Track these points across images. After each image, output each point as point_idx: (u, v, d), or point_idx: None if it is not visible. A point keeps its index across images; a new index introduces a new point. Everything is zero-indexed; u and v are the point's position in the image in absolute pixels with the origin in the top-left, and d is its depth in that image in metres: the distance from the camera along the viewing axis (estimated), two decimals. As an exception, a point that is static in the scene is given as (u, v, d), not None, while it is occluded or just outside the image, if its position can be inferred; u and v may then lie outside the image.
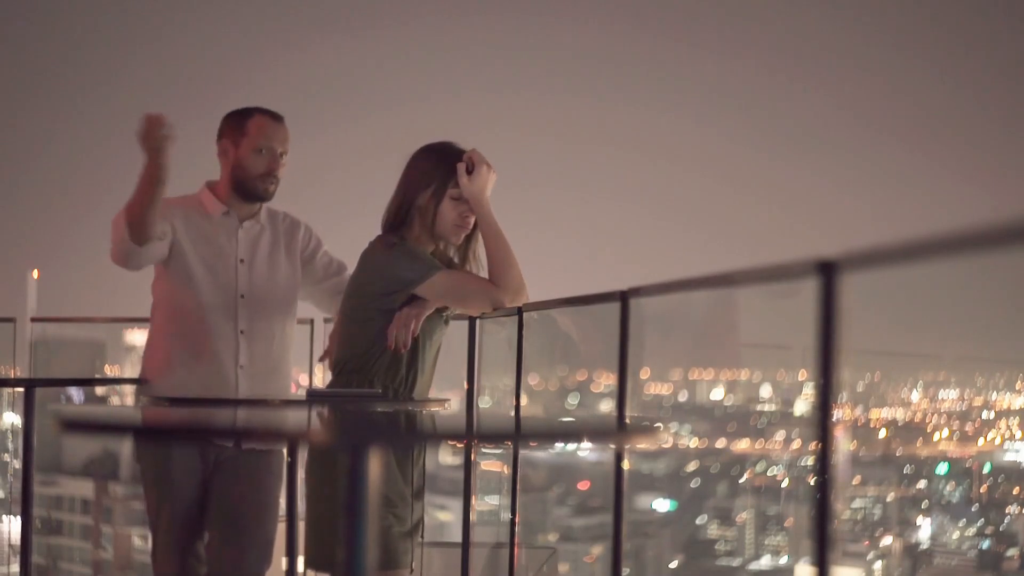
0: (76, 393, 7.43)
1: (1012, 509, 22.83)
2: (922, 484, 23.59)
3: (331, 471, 3.18)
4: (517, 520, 3.89)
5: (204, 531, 3.59)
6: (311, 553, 3.23)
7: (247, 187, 3.63)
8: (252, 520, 3.55)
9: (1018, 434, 24.01)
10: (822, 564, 1.78)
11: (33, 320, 6.12)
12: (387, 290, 3.27)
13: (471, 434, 1.68)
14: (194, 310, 3.60)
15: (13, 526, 6.11)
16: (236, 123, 3.64)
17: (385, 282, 3.27)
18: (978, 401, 24.80)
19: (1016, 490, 23.43)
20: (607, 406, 3.46)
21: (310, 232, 3.81)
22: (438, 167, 3.34)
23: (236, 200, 3.67)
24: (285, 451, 3.63)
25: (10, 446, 6.58)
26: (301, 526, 3.24)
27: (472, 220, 3.35)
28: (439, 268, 3.28)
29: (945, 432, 24.05)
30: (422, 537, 3.40)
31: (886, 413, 24.30)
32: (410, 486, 3.31)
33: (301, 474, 3.33)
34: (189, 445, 3.55)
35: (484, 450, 4.62)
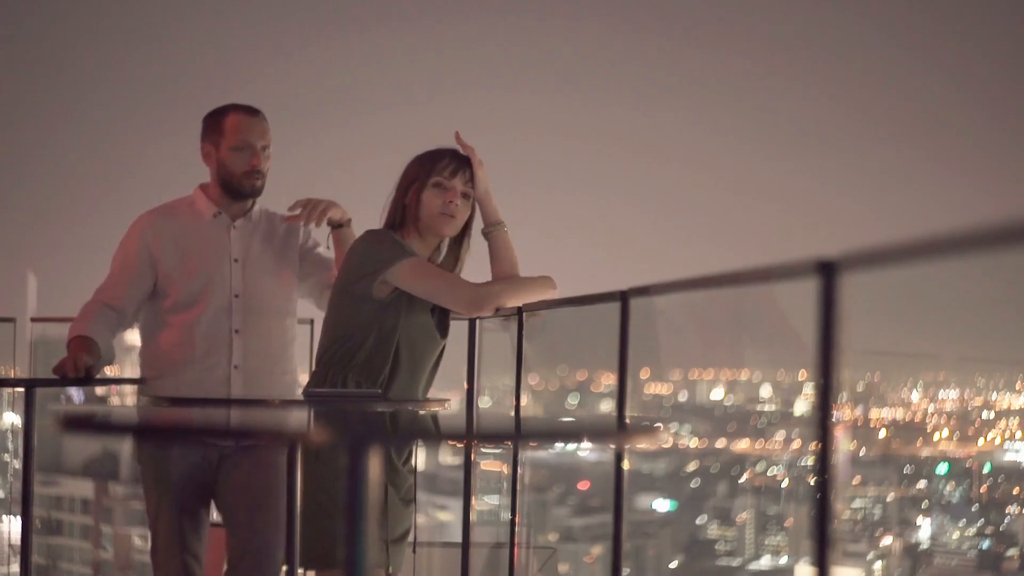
0: (76, 393, 7.43)
1: (1012, 509, 22.84)
2: (922, 484, 23.61)
3: (317, 470, 3.19)
4: (517, 520, 3.89)
5: (205, 532, 3.59)
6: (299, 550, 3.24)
7: (233, 186, 3.63)
8: (259, 516, 3.55)
9: (1018, 434, 24.02)
10: (822, 564, 1.78)
11: (33, 320, 6.12)
12: (361, 274, 3.26)
13: (471, 434, 1.68)
14: (187, 310, 3.60)
15: (13, 526, 6.11)
16: (213, 124, 3.64)
17: (359, 266, 3.28)
18: (978, 401, 24.82)
19: (1016, 490, 23.45)
20: (607, 406, 3.47)
21: (309, 232, 3.82)
22: (418, 162, 3.37)
23: (226, 200, 3.67)
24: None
25: (10, 446, 6.58)
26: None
27: (457, 209, 3.35)
28: (413, 255, 3.27)
29: (945, 432, 24.07)
30: (415, 538, 3.39)
31: (886, 413, 24.32)
32: (397, 492, 3.31)
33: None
34: (189, 446, 3.56)
35: (484, 450, 4.62)
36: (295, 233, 3.77)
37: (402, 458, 3.36)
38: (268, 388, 3.62)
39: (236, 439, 3.42)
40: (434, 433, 1.81)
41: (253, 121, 3.62)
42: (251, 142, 3.60)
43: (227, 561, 3.61)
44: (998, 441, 23.81)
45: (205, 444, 3.58)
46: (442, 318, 3.41)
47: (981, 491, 23.21)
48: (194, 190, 3.72)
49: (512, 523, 3.90)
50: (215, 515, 3.69)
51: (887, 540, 23.25)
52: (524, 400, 3.73)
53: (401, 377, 3.32)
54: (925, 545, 22.89)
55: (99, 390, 8.34)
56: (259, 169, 3.63)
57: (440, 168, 3.34)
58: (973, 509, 22.77)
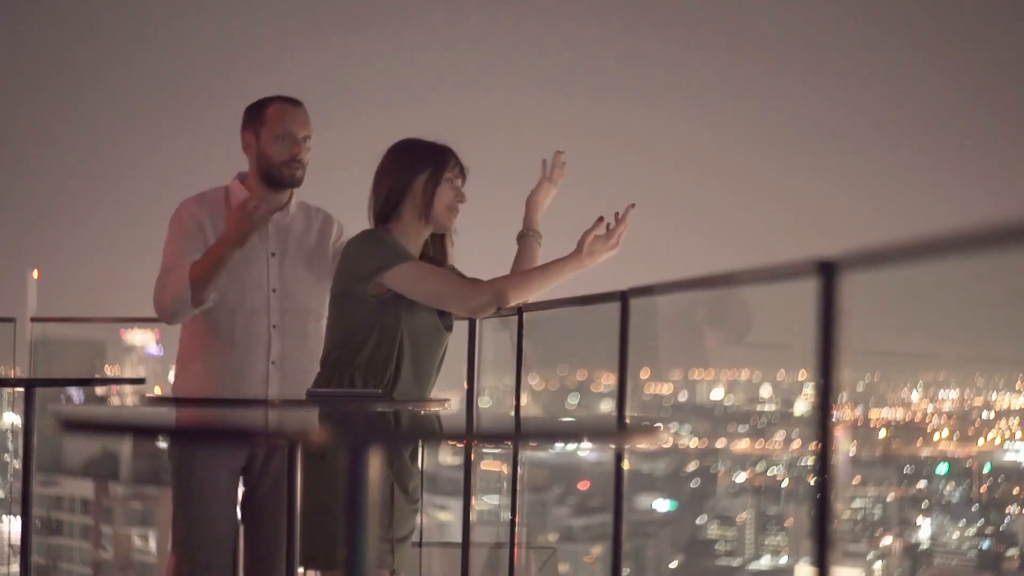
0: (76, 393, 7.43)
1: (1012, 509, 22.85)
2: (922, 484, 23.62)
3: (322, 470, 3.18)
4: (517, 520, 3.89)
5: (231, 531, 3.57)
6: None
7: (273, 175, 3.60)
8: (284, 523, 3.53)
9: (1018, 434, 24.03)
10: (822, 564, 1.78)
11: (33, 320, 6.12)
12: (358, 277, 3.26)
13: (471, 434, 1.68)
14: (224, 305, 3.57)
15: (13, 526, 6.11)
16: (255, 113, 3.61)
17: (356, 269, 3.27)
18: (978, 401, 24.83)
19: (1016, 490, 23.46)
20: (607, 406, 3.47)
21: (342, 229, 3.79)
22: (432, 153, 3.35)
23: (265, 191, 3.63)
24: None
25: (10, 446, 6.58)
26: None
27: (461, 205, 3.36)
28: (410, 258, 3.26)
29: (945, 432, 24.07)
30: (420, 537, 3.39)
31: (886, 413, 24.32)
32: (404, 489, 3.30)
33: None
34: (215, 446, 3.54)
35: (484, 450, 4.62)
36: (329, 229, 3.75)
37: (408, 454, 3.36)
38: (307, 384, 3.59)
39: (236, 440, 3.41)
40: (435, 433, 1.81)
41: (295, 111, 3.61)
42: (292, 131, 3.58)
43: (244, 562, 3.59)
44: (998, 441, 23.82)
45: (233, 444, 3.55)
46: (444, 311, 3.40)
47: (981, 491, 23.22)
48: (231, 180, 3.69)
49: (512, 523, 3.90)
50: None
51: (887, 540, 23.27)
52: (524, 400, 3.73)
53: (407, 374, 3.31)
54: (925, 545, 22.90)
55: (99, 390, 8.33)
56: (299, 158, 3.60)
57: (451, 164, 3.35)
58: (973, 509, 22.78)
